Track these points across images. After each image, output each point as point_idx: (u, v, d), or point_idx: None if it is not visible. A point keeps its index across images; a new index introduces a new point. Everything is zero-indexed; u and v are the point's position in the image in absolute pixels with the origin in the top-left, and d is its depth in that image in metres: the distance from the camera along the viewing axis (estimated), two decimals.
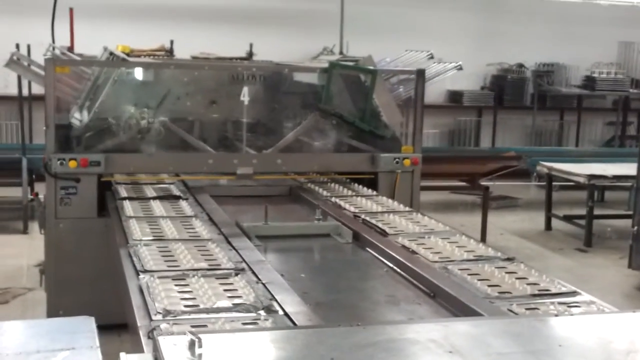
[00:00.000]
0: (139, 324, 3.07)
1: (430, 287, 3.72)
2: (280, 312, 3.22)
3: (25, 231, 9.52)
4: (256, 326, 3.03)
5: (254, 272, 3.80)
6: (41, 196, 6.35)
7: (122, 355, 2.44)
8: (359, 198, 5.86)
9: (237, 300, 3.30)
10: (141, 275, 3.66)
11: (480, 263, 3.99)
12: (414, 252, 4.22)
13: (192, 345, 2.37)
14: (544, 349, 2.54)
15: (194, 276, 3.64)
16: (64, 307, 5.98)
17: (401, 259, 4.12)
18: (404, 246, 4.36)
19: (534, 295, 3.46)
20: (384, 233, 4.71)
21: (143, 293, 3.42)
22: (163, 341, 2.45)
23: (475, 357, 2.44)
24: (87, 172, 6.05)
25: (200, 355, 2.36)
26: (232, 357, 2.39)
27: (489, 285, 3.58)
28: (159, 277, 3.62)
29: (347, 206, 5.53)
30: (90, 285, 6.03)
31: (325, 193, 6.07)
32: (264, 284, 3.59)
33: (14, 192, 10.14)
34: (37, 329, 3.14)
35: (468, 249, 4.27)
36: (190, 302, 3.27)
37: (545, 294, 3.47)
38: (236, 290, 3.47)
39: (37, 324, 3.35)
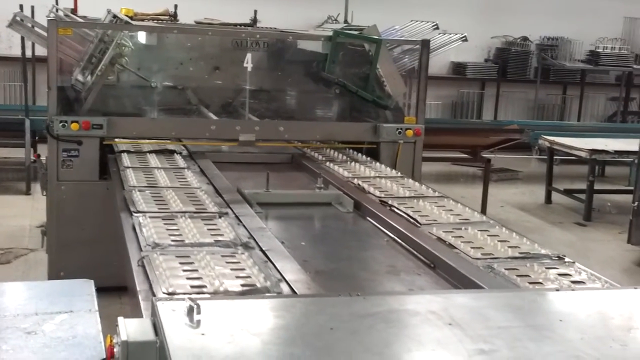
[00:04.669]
0: (138, 289, 3.05)
1: (431, 257, 3.72)
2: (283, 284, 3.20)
3: (27, 192, 9.51)
4: (256, 294, 3.02)
5: (255, 240, 3.78)
6: (43, 158, 6.33)
7: (120, 319, 2.42)
8: (361, 167, 5.84)
9: (241, 274, 3.28)
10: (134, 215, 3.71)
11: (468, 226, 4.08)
12: (416, 221, 4.21)
13: (190, 311, 2.36)
14: (545, 323, 2.53)
15: (197, 252, 3.52)
16: (65, 269, 5.99)
17: (402, 229, 4.12)
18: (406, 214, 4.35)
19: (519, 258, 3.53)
20: (385, 203, 4.69)
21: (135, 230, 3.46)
22: (162, 306, 2.43)
23: (475, 329, 2.42)
24: (89, 134, 6.03)
25: (199, 321, 2.34)
26: (231, 323, 2.38)
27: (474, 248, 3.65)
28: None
29: (349, 175, 5.51)
30: (91, 247, 6.03)
31: (327, 162, 6.05)
32: (264, 252, 3.57)
33: (17, 153, 10.14)
34: (36, 291, 3.15)
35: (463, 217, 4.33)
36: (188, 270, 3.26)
37: (531, 257, 3.54)
38: (235, 259, 3.45)
39: (37, 286, 3.36)
